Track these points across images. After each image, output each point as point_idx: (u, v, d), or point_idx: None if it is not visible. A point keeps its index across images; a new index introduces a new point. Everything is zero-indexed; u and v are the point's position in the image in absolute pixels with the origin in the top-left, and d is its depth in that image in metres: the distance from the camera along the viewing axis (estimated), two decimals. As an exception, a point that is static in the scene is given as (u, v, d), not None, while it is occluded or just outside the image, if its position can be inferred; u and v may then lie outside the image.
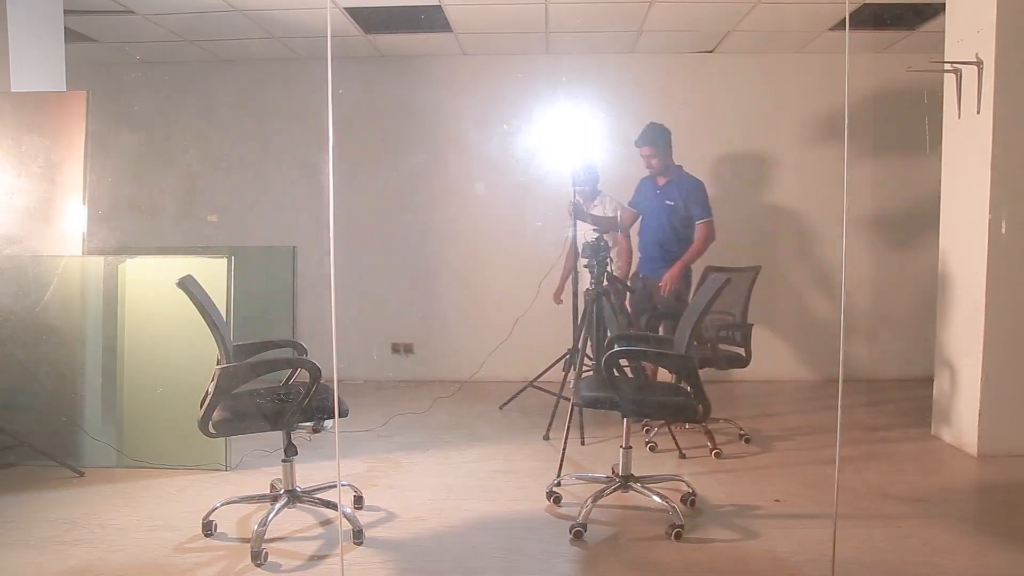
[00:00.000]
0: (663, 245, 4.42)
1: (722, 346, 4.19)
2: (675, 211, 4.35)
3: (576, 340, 4.25)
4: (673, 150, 4.40)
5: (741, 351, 4.15)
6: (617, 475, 3.14)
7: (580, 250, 4.06)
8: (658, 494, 3.03)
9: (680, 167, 4.41)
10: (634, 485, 3.11)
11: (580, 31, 5.10)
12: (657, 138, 4.34)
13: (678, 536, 2.86)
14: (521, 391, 4.51)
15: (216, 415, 2.83)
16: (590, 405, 3.23)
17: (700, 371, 3.82)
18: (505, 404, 4.54)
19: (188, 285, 2.89)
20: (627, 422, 3.09)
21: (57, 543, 2.90)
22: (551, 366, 4.59)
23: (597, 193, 4.70)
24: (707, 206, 4.33)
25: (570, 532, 2.91)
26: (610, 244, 4.27)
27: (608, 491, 3.10)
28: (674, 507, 2.96)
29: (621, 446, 3.13)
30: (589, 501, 3.00)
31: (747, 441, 4.12)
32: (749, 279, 4.17)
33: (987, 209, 3.83)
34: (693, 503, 3.22)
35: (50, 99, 4.09)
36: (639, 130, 4.37)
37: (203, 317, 2.89)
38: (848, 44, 5.25)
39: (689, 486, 3.27)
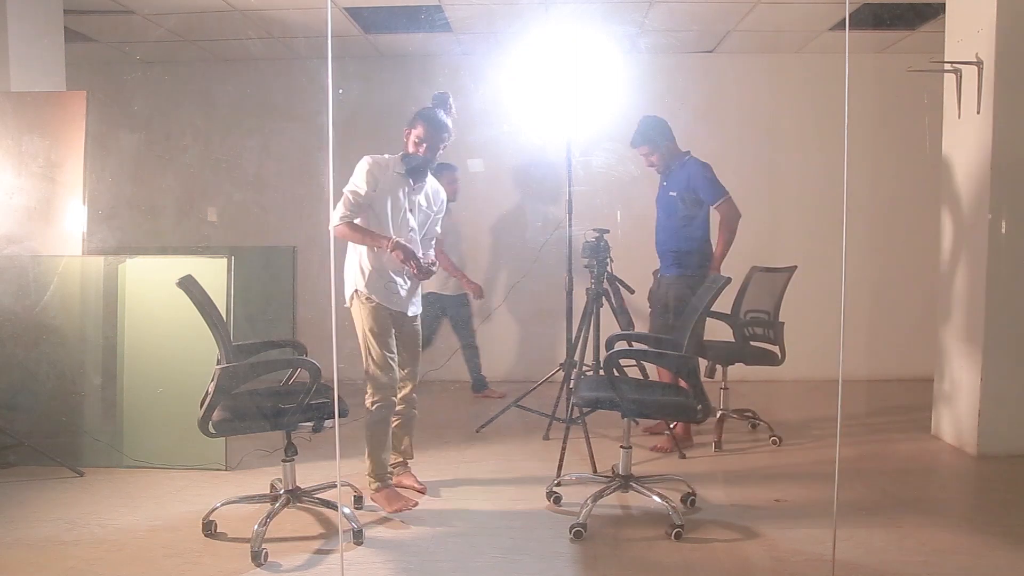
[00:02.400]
0: (674, 242, 4.03)
1: (756, 343, 4.21)
2: (681, 201, 3.95)
3: (570, 349, 4.23)
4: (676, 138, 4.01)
5: (775, 349, 4.14)
6: (617, 475, 3.14)
7: (580, 249, 4.03)
8: (658, 494, 3.03)
9: (687, 153, 4.01)
10: (634, 485, 3.10)
11: (581, 31, 5.09)
12: (649, 133, 3.99)
13: (678, 536, 2.86)
14: (502, 412, 4.44)
15: (216, 415, 2.83)
16: (589, 405, 3.22)
17: (730, 367, 3.87)
18: (483, 427, 4.42)
19: (188, 285, 2.89)
20: (627, 422, 3.08)
21: (57, 543, 2.90)
22: (537, 385, 4.53)
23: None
24: (718, 185, 3.89)
25: (570, 532, 2.90)
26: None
27: (608, 491, 3.09)
28: (674, 507, 2.96)
29: (621, 446, 3.12)
30: (589, 501, 3.00)
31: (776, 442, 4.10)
32: (784, 279, 4.17)
33: (987, 209, 3.84)
34: (693, 503, 3.22)
35: (50, 99, 4.08)
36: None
37: (203, 317, 2.89)
38: (848, 44, 5.25)
39: (689, 486, 3.27)
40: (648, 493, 3.05)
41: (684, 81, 5.64)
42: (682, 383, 3.35)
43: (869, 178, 5.46)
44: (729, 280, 3.08)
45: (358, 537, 2.88)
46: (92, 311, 3.79)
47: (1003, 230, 3.84)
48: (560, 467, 3.59)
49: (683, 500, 3.22)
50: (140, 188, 5.57)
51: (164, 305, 3.63)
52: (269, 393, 3.03)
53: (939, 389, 4.26)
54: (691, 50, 5.60)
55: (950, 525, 3.08)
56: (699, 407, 2.96)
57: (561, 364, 4.27)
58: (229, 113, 5.77)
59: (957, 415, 4.06)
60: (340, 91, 4.96)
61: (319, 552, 2.84)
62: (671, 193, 3.98)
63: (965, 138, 4.02)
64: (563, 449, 3.64)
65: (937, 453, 4.04)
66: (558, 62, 4.49)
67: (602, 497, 3.06)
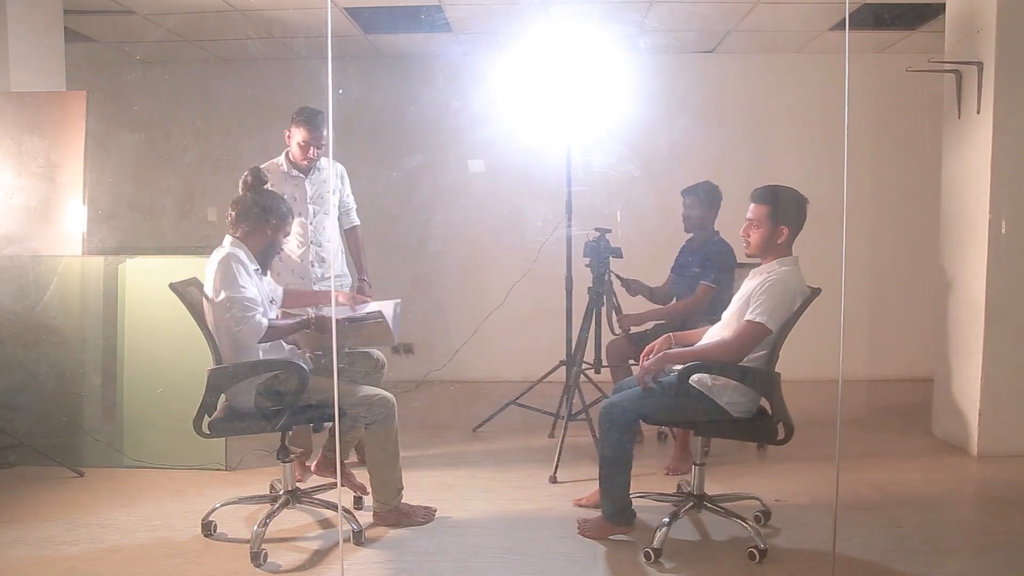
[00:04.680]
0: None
1: None
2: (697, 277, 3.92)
3: (575, 349, 4.23)
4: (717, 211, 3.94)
5: None
6: (690, 494, 2.96)
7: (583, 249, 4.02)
8: (735, 515, 2.88)
9: (717, 233, 3.93)
10: (709, 504, 2.93)
11: (581, 31, 5.09)
12: (712, 194, 3.91)
13: (763, 557, 2.70)
14: (500, 410, 4.44)
15: (209, 415, 2.85)
16: (658, 423, 3.05)
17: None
18: (479, 426, 4.40)
19: (179, 288, 2.91)
20: (701, 438, 2.93)
21: (57, 543, 2.90)
22: (537, 382, 4.52)
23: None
24: (719, 273, 3.78)
25: (646, 559, 2.75)
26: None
27: (682, 511, 2.90)
28: (756, 528, 2.82)
29: (695, 463, 2.95)
30: (664, 523, 2.80)
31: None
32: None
33: (987, 209, 3.83)
34: (767, 520, 3.06)
35: (50, 99, 4.08)
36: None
37: (195, 319, 2.90)
38: (848, 44, 5.25)
39: (763, 503, 3.10)
40: (725, 513, 2.90)
41: (684, 81, 5.63)
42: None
43: (869, 178, 5.46)
44: (819, 291, 2.84)
45: (358, 537, 2.88)
46: (92, 311, 3.79)
47: (1003, 230, 3.84)
48: (557, 463, 3.58)
49: (755, 519, 3.04)
50: (140, 188, 5.57)
51: (164, 305, 3.62)
52: (267, 392, 3.01)
53: (939, 389, 4.25)
54: (691, 50, 5.60)
55: (950, 525, 3.08)
56: (779, 426, 2.79)
57: (562, 361, 4.27)
58: (229, 113, 5.76)
59: (957, 415, 4.06)
60: (340, 91, 4.96)
61: (319, 552, 2.84)
62: (695, 269, 3.89)
63: (965, 138, 4.02)
64: (561, 444, 3.64)
65: (937, 453, 4.04)
66: (558, 62, 4.48)
67: (678, 518, 2.87)
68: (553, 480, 3.53)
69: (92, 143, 3.97)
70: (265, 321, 2.84)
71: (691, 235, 4.02)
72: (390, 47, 5.55)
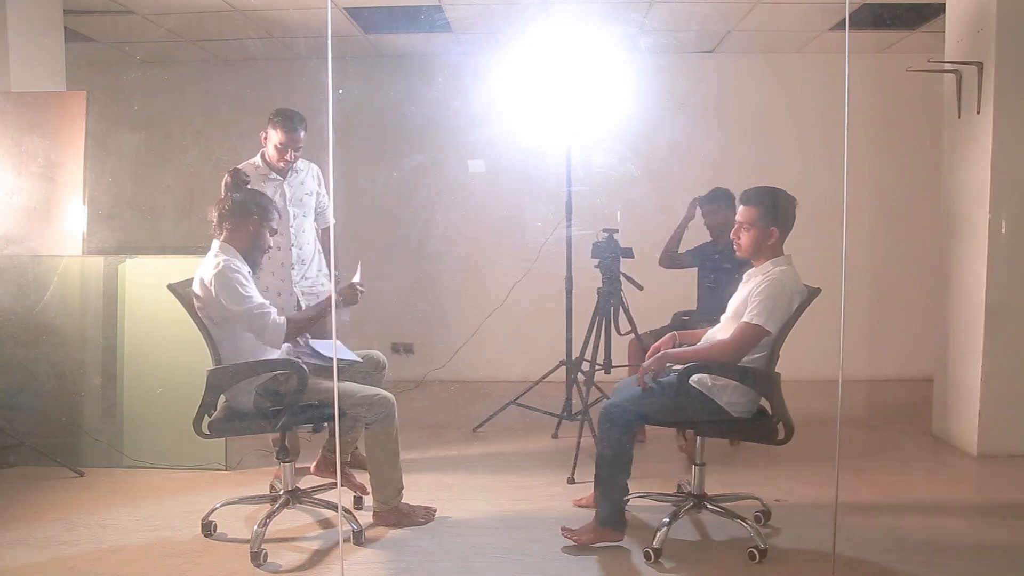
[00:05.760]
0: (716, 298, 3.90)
1: None
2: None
3: (569, 349, 4.22)
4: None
5: None
6: (690, 494, 2.96)
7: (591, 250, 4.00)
8: (735, 515, 2.88)
9: None
10: (709, 504, 2.92)
11: (581, 31, 5.09)
12: (730, 199, 3.98)
13: (763, 557, 2.70)
14: (500, 410, 4.43)
15: (209, 416, 2.85)
16: (658, 423, 3.06)
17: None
18: (479, 426, 4.39)
19: (178, 289, 2.90)
20: (701, 439, 2.92)
21: (57, 543, 2.90)
22: (538, 381, 4.52)
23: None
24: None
25: (646, 559, 2.74)
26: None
27: (682, 512, 2.90)
28: (756, 528, 2.82)
29: (694, 463, 2.95)
30: (665, 523, 2.80)
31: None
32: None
33: (987, 209, 3.83)
34: (767, 520, 3.06)
35: (50, 99, 4.08)
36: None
37: (194, 321, 2.90)
38: (848, 44, 5.25)
39: (763, 503, 3.09)
40: (725, 513, 2.90)
41: (684, 81, 5.63)
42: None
43: (869, 178, 5.46)
44: (818, 291, 2.83)
45: (358, 537, 2.88)
46: (92, 311, 3.79)
47: (1003, 230, 3.84)
48: (575, 464, 3.59)
49: (755, 519, 3.03)
50: (140, 188, 5.57)
51: (164, 305, 3.62)
52: (266, 392, 3.01)
53: (939, 389, 4.25)
54: (691, 50, 5.60)
55: (950, 525, 3.08)
56: (779, 426, 2.79)
57: (561, 361, 4.26)
58: (229, 113, 5.76)
59: (957, 415, 4.06)
60: (340, 91, 4.96)
61: (319, 552, 2.84)
62: (726, 265, 3.85)
63: (965, 138, 4.02)
64: (578, 444, 3.65)
65: (937, 453, 4.04)
66: (558, 62, 4.48)
67: (678, 518, 2.87)
68: (571, 480, 3.54)
69: (92, 143, 3.97)
70: (283, 319, 2.83)
71: (711, 240, 4.13)
72: (390, 47, 5.55)
